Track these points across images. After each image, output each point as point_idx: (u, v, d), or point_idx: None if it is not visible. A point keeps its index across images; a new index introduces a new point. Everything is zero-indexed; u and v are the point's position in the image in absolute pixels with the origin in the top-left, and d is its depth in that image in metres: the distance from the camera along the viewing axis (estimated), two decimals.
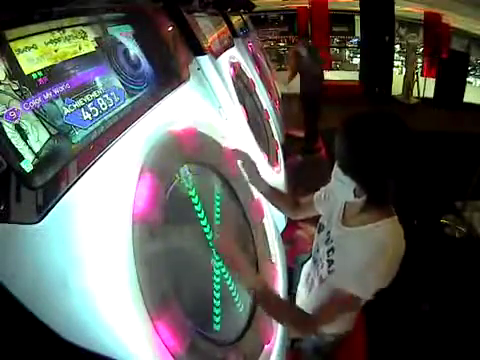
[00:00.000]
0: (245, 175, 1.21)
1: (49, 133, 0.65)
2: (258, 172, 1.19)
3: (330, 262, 0.97)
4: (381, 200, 0.87)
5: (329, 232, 1.00)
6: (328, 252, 0.97)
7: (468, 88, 6.19)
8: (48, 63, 0.70)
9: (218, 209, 1.09)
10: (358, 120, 0.84)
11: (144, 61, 1.07)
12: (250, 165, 1.18)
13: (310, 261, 1.15)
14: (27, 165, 0.58)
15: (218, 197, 1.12)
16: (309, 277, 1.14)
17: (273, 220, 1.46)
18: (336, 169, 0.87)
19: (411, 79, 6.46)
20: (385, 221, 0.86)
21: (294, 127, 4.08)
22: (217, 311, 0.91)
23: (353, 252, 0.87)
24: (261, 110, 2.46)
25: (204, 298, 0.90)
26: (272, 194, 1.23)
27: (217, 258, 0.98)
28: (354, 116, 0.84)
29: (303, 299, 1.17)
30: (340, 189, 0.89)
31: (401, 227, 0.87)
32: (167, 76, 1.13)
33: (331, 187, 0.95)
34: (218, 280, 0.96)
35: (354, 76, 7.22)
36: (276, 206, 1.28)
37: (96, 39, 0.88)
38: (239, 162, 1.19)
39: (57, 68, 0.72)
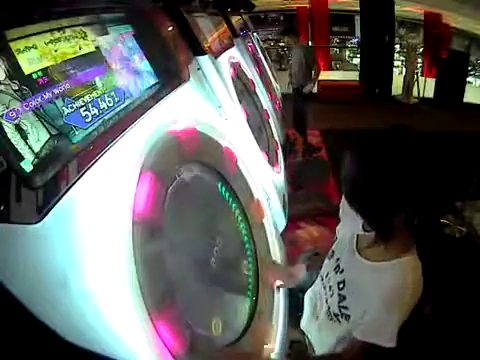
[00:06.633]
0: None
1: (49, 133, 0.65)
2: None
3: (342, 298, 0.88)
4: (391, 235, 0.76)
5: (338, 259, 0.93)
6: (339, 284, 0.89)
7: (468, 88, 6.19)
8: (48, 63, 0.70)
9: (218, 209, 1.09)
10: (363, 147, 0.75)
11: (144, 61, 1.07)
12: (289, 281, 1.18)
13: (315, 287, 1.07)
14: (27, 165, 0.58)
15: (218, 197, 1.11)
16: (313, 302, 1.07)
17: (273, 220, 1.46)
18: (343, 200, 0.79)
19: (411, 79, 6.47)
20: (403, 259, 0.78)
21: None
22: (217, 311, 0.91)
23: (368, 294, 0.79)
24: (261, 110, 2.46)
25: (204, 298, 0.90)
26: None
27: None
28: (360, 141, 0.75)
29: (310, 327, 1.10)
30: (348, 222, 0.82)
31: (419, 261, 0.79)
32: (167, 76, 1.13)
33: (341, 218, 0.87)
34: (218, 280, 0.96)
35: (354, 76, 7.22)
36: None
37: (96, 39, 0.88)
38: (279, 282, 1.18)
39: (57, 68, 0.72)
